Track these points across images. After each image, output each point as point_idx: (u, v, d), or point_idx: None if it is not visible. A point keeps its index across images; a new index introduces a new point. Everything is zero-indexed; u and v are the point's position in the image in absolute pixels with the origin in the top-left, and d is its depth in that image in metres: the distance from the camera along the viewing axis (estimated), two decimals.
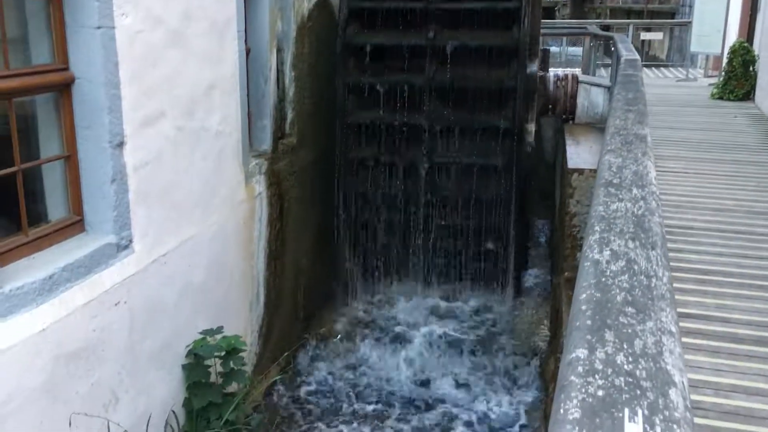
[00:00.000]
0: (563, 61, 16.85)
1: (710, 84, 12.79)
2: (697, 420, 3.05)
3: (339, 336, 7.51)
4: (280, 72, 6.78)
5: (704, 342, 3.88)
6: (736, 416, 3.27)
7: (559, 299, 6.78)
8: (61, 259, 4.04)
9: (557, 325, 6.69)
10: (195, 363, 5.19)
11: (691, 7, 18.53)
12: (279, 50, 6.73)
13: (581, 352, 1.47)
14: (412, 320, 7.79)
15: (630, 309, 1.67)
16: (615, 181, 2.81)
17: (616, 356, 1.45)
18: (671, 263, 2.34)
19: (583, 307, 1.68)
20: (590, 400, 1.29)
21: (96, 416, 4.22)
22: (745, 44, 11.89)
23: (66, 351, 3.96)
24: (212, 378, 5.24)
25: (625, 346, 1.49)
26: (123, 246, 4.45)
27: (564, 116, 8.73)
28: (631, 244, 2.10)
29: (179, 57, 4.87)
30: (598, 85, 8.71)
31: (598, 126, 8.24)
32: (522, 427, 6.49)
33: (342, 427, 6.47)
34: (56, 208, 4.36)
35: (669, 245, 3.33)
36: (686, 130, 9.12)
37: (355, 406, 6.81)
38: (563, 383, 1.37)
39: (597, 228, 2.26)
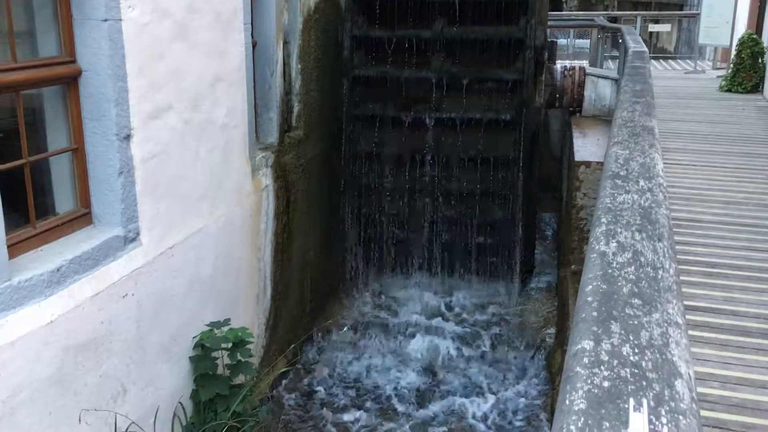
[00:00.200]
0: (570, 54, 16.77)
1: (718, 76, 12.71)
2: (704, 413, 3.05)
3: (345, 328, 7.53)
4: (286, 65, 6.78)
5: (712, 335, 3.87)
6: (743, 409, 3.26)
7: (566, 292, 6.77)
8: (69, 252, 4.06)
9: (564, 318, 6.69)
10: (202, 355, 5.21)
11: None
12: (285, 43, 6.72)
13: (587, 344, 1.47)
14: (419, 312, 7.80)
15: (636, 301, 1.66)
16: (622, 173, 2.80)
17: (622, 347, 1.45)
18: (679, 256, 2.34)
19: (589, 299, 1.68)
20: (596, 390, 1.29)
21: (105, 409, 4.24)
22: (754, 36, 11.81)
23: (74, 343, 3.98)
24: (219, 370, 5.27)
25: (631, 338, 1.49)
26: (130, 238, 4.46)
27: (571, 109, 8.70)
28: (637, 236, 2.09)
29: (186, 49, 4.87)
30: (606, 78, 8.67)
31: (605, 118, 8.21)
32: (528, 419, 6.49)
33: (348, 418, 6.49)
34: (64, 201, 4.38)
35: (677, 238, 3.32)
36: (694, 122, 9.08)
37: (362, 397, 6.83)
38: (569, 374, 1.37)
39: (603, 220, 2.25)
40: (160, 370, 4.84)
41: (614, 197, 2.48)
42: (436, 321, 7.65)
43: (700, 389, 3.23)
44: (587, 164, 6.86)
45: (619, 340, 1.48)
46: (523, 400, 6.74)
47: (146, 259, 4.61)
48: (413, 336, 7.43)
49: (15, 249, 3.82)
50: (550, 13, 9.05)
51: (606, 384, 1.31)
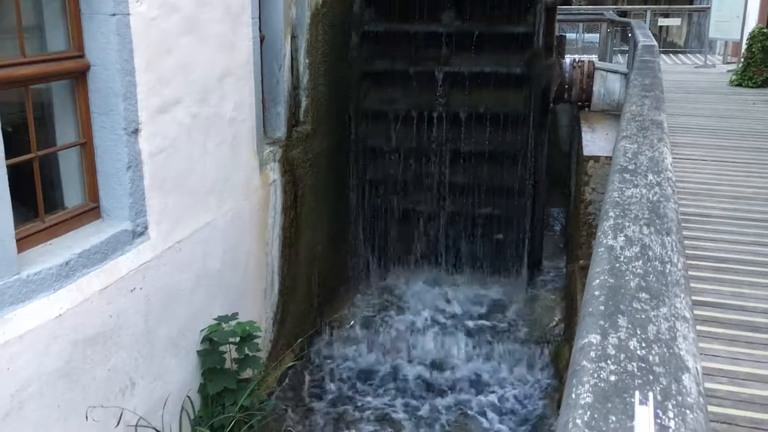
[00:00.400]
0: (579, 48, 16.71)
1: (729, 70, 12.63)
2: (712, 408, 3.04)
3: (353, 322, 7.53)
4: (294, 59, 6.78)
5: (720, 330, 3.84)
6: (752, 405, 3.24)
7: (574, 287, 6.76)
8: (78, 246, 4.08)
9: (571, 313, 6.67)
10: (210, 349, 5.22)
11: None
12: (293, 37, 6.72)
13: (594, 338, 1.46)
14: (426, 306, 7.79)
15: (644, 295, 1.66)
16: (630, 167, 2.79)
17: (629, 341, 1.44)
18: (687, 251, 2.32)
19: (596, 293, 1.67)
20: (602, 384, 1.29)
21: (113, 402, 4.27)
22: (765, 30, 11.71)
23: (83, 336, 4.00)
24: (227, 364, 5.28)
25: (638, 332, 1.48)
26: (138, 233, 4.48)
27: (580, 103, 8.66)
28: (645, 230, 2.08)
29: (194, 43, 4.88)
30: (615, 72, 8.62)
31: (614, 113, 8.17)
32: (535, 414, 6.49)
33: (356, 413, 6.51)
34: (72, 195, 4.40)
35: (685, 233, 3.30)
36: (704, 117, 9.02)
37: (369, 391, 6.84)
38: (575, 368, 1.37)
39: (611, 214, 2.24)
40: (168, 364, 4.86)
41: (622, 191, 2.46)
42: (443, 315, 7.65)
43: (708, 385, 3.22)
44: (596, 159, 6.84)
45: (626, 334, 1.47)
46: (529, 395, 6.74)
47: (154, 253, 4.62)
48: (420, 330, 7.42)
49: (24, 243, 3.84)
50: (559, 7, 8.98)
51: (612, 378, 1.31)
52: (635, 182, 2.57)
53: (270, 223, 6.32)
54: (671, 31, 20.84)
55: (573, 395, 1.26)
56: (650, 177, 2.63)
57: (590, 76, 8.38)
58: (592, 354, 1.39)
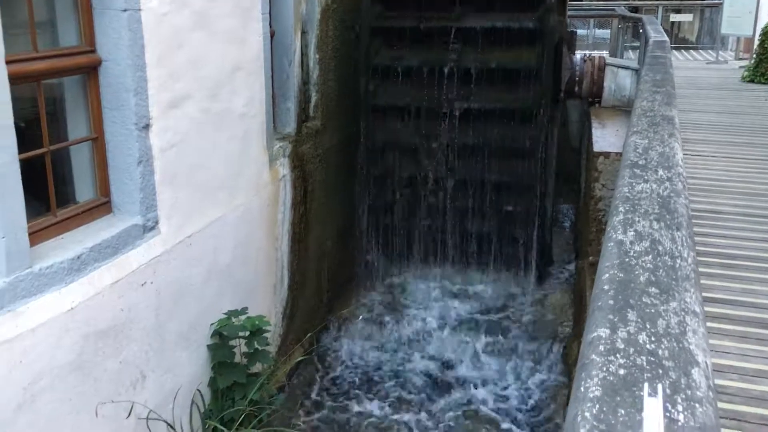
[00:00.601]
0: (590, 44, 16.63)
1: (741, 66, 12.54)
2: (722, 405, 3.03)
3: (362, 317, 7.55)
4: (304, 54, 6.78)
5: (730, 327, 3.83)
6: (763, 401, 3.23)
7: (583, 283, 6.74)
8: (89, 240, 4.10)
9: (581, 310, 6.66)
10: (220, 343, 5.25)
11: None
12: (303, 32, 6.72)
13: (603, 332, 1.46)
14: (435, 300, 7.79)
15: (653, 289, 1.65)
16: (640, 162, 2.78)
17: (638, 336, 1.44)
18: (698, 247, 2.32)
19: (606, 287, 1.67)
20: (611, 378, 1.29)
21: (124, 396, 4.30)
22: None
23: (94, 330, 4.03)
24: (237, 358, 5.31)
25: (647, 326, 1.48)
26: (149, 227, 4.50)
27: (590, 99, 8.62)
28: (655, 225, 2.08)
29: (204, 39, 4.89)
30: (626, 68, 8.58)
31: (625, 109, 8.13)
32: (543, 409, 6.48)
33: (364, 407, 6.52)
34: (84, 190, 4.42)
35: (696, 229, 3.29)
36: (715, 113, 8.97)
37: (377, 386, 6.86)
38: (584, 362, 1.37)
39: (621, 209, 2.24)
40: (178, 358, 4.88)
41: (632, 186, 2.46)
42: (451, 311, 7.64)
43: (718, 381, 3.21)
44: (606, 155, 6.81)
45: (636, 328, 1.47)
46: (538, 391, 6.73)
47: (165, 248, 4.65)
48: (428, 326, 7.43)
49: (36, 237, 3.87)
50: (570, 2, 8.94)
51: (621, 372, 1.31)
52: (645, 177, 2.56)
53: (280, 218, 6.34)
54: (683, 27, 20.71)
55: (582, 388, 1.27)
56: (661, 172, 2.62)
57: (601, 70, 8.33)
58: (602, 348, 1.40)
